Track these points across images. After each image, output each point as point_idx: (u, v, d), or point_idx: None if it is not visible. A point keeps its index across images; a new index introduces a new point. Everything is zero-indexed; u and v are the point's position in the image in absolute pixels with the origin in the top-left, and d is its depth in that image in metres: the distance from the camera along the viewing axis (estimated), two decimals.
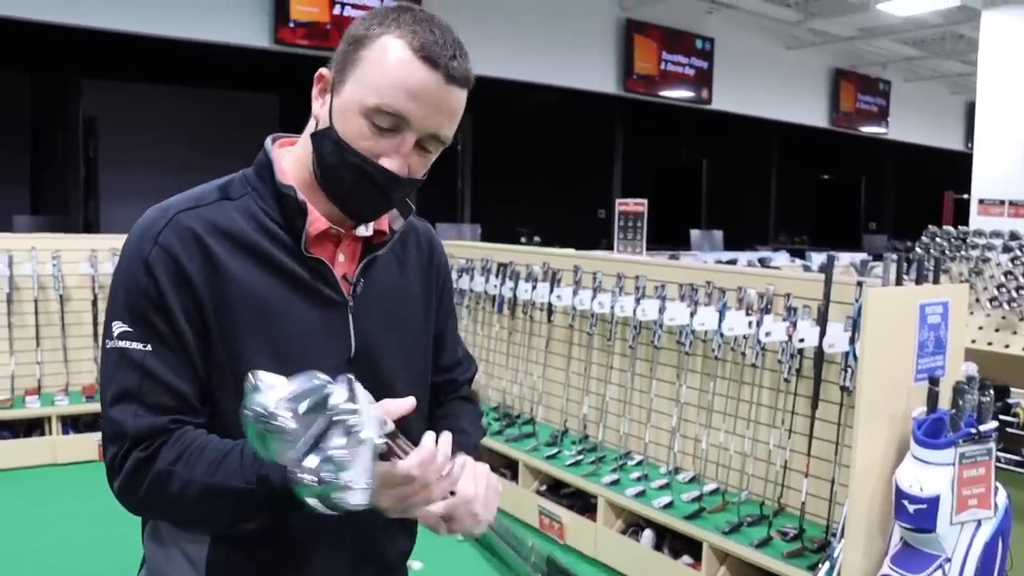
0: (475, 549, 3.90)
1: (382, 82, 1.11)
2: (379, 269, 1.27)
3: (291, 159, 1.24)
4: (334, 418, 0.95)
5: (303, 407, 0.94)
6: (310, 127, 1.21)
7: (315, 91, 1.19)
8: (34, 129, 11.22)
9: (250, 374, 0.96)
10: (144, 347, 1.12)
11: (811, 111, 12.41)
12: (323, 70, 1.19)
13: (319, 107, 1.18)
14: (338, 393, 0.96)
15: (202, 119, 12.30)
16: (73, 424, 5.25)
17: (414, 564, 4.02)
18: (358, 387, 0.99)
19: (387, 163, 1.13)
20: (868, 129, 13.30)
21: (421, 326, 1.35)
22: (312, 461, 0.93)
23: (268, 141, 1.25)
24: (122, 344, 1.13)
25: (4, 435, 5.07)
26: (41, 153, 11.08)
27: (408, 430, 1.08)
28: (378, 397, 1.21)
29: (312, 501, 0.95)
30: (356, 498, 0.95)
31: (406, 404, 1.09)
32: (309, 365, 1.15)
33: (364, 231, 1.25)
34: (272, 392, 0.94)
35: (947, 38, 11.80)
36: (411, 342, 1.33)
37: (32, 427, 5.15)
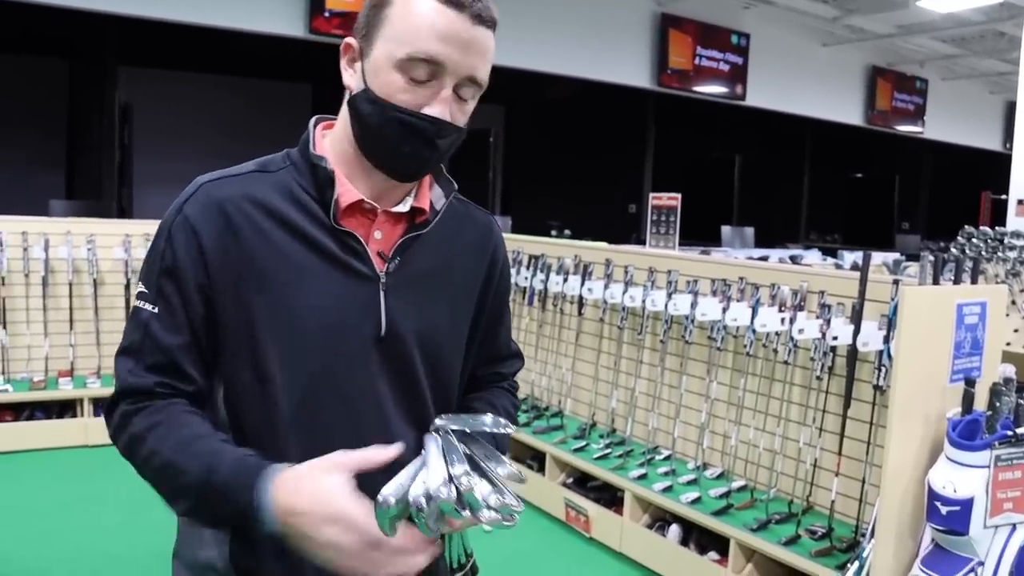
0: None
1: (412, 32, 1.11)
2: (420, 250, 1.24)
3: (330, 137, 1.24)
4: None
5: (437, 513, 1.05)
6: (346, 100, 1.21)
7: (344, 62, 1.19)
8: (70, 115, 11.35)
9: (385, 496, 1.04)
10: (152, 308, 1.16)
11: (846, 109, 12.28)
12: (349, 39, 1.18)
13: (350, 77, 1.18)
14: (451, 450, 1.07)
15: (236, 107, 12.39)
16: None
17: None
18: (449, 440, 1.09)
19: (430, 111, 1.13)
20: (904, 128, 13.14)
21: (461, 316, 1.32)
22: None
23: (311, 122, 1.26)
24: (138, 303, 1.18)
25: (38, 415, 5.15)
26: (77, 139, 11.20)
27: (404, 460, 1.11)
28: (401, 381, 1.22)
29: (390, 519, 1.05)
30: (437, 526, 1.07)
31: (390, 453, 1.11)
32: (331, 340, 1.17)
33: (402, 207, 1.23)
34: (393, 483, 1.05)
35: (987, 36, 11.62)
36: (447, 330, 1.30)
37: (64, 408, 5.22)
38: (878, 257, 8.42)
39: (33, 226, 5.32)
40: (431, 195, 1.27)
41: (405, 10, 1.12)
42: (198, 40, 9.04)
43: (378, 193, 1.21)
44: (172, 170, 11.70)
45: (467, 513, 1.03)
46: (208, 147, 12.01)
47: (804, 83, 11.47)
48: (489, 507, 1.03)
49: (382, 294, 1.21)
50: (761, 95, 10.92)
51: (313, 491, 1.04)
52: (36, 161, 10.93)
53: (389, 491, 1.02)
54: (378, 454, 1.09)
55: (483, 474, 1.06)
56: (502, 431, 1.14)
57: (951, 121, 13.83)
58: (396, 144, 1.15)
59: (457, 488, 1.03)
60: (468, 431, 1.11)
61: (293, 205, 1.18)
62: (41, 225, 5.39)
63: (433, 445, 1.08)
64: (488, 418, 1.14)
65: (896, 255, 8.59)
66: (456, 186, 1.31)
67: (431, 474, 1.04)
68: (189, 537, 1.26)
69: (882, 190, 15.48)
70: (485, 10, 1.13)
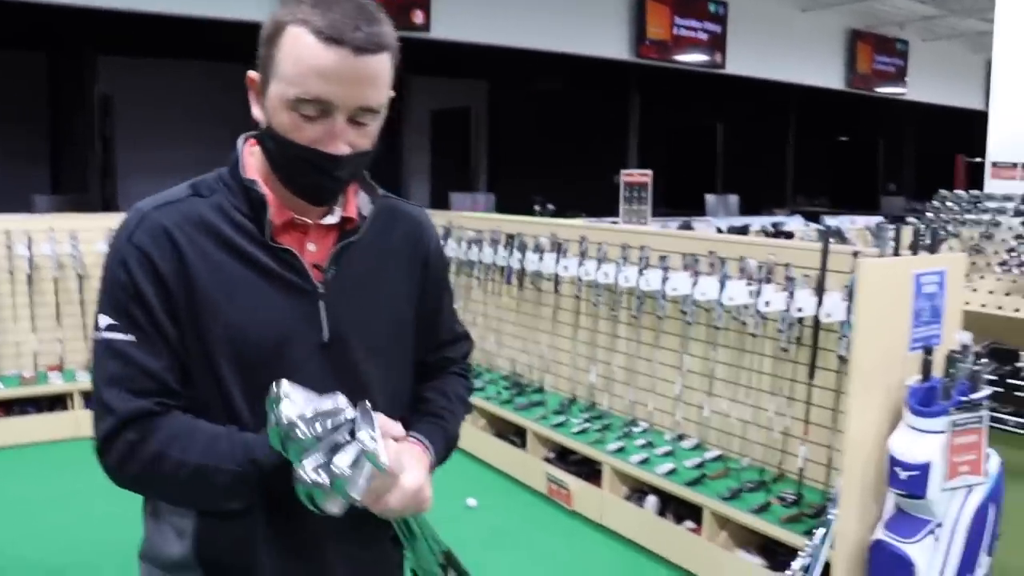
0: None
1: (295, 73, 1.15)
2: (354, 256, 1.30)
3: (256, 155, 1.29)
4: (347, 441, 1.09)
5: (323, 427, 1.09)
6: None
7: (250, 96, 1.24)
8: (52, 108, 11.32)
9: (275, 384, 1.09)
10: (127, 337, 1.19)
11: (827, 73, 12.27)
12: (251, 73, 1.23)
13: (257, 111, 1.24)
14: (359, 424, 1.10)
15: (216, 93, 12.32)
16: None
17: (470, 501, 4.14)
18: (374, 416, 1.12)
19: (324, 148, 1.17)
20: (885, 90, 13.14)
21: (401, 311, 1.38)
22: (318, 472, 1.07)
23: (240, 140, 1.31)
24: (108, 335, 1.20)
25: (29, 410, 5.21)
26: (59, 132, 11.17)
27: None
28: (353, 382, 1.27)
29: (301, 495, 1.09)
30: (335, 508, 1.09)
31: (396, 427, 1.20)
32: (279, 351, 1.23)
33: (331, 219, 1.29)
34: (297, 406, 1.09)
35: None
36: (389, 328, 1.36)
37: (55, 402, 5.28)
38: (861, 221, 8.51)
39: (16, 224, 5.36)
40: (357, 202, 1.33)
41: (289, 49, 1.16)
42: (175, 28, 9.00)
43: (304, 209, 1.27)
44: (156, 159, 11.72)
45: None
46: (191, 134, 11.97)
47: (784, 49, 11.46)
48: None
49: (321, 304, 1.27)
50: (741, 63, 10.92)
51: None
52: (20, 156, 10.90)
53: (284, 412, 1.09)
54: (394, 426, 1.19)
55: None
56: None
57: (933, 82, 13.83)
58: (300, 178, 1.22)
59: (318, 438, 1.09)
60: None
61: (231, 226, 1.24)
62: (23, 223, 5.43)
63: (343, 405, 1.13)
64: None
65: (880, 218, 8.65)
66: (380, 190, 1.37)
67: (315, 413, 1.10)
68: (155, 537, 1.33)
69: (866, 153, 15.52)
70: (369, 39, 1.15)
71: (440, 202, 10.72)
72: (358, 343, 1.30)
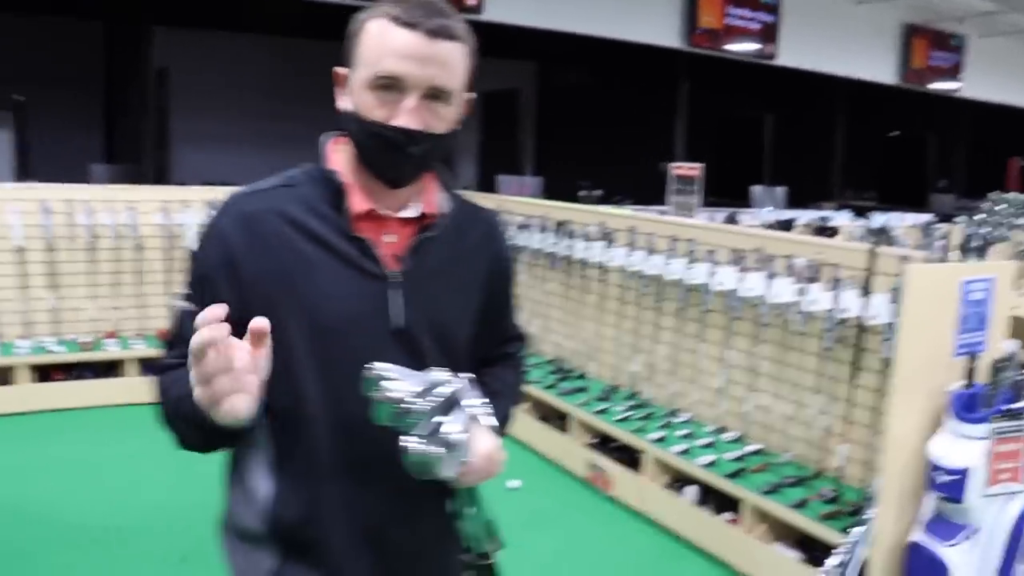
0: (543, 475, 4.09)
1: (375, 55, 1.27)
2: (430, 250, 1.39)
3: (341, 152, 1.39)
4: (457, 409, 1.18)
5: (434, 399, 1.17)
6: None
7: (337, 91, 1.35)
8: (107, 78, 11.51)
9: (368, 367, 1.18)
10: (189, 306, 1.32)
11: (880, 67, 12.13)
12: (338, 69, 1.35)
13: (343, 101, 1.34)
14: (463, 393, 1.20)
15: (270, 67, 12.48)
16: (148, 367, 5.54)
17: (511, 483, 4.25)
18: (470, 386, 1.21)
19: (396, 121, 1.27)
20: (940, 86, 12.96)
21: (469, 307, 1.46)
22: (433, 441, 1.16)
23: (324, 137, 1.41)
24: (180, 302, 1.35)
25: (86, 375, 5.39)
26: (115, 101, 11.37)
27: None
28: (419, 369, 1.35)
29: (413, 467, 1.17)
30: (448, 473, 1.18)
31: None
32: (350, 332, 1.33)
33: (410, 212, 1.38)
34: (403, 383, 1.17)
35: None
36: (456, 321, 1.44)
37: (110, 368, 5.45)
38: (910, 219, 8.44)
39: (77, 193, 5.52)
40: (437, 200, 1.42)
41: (370, 38, 1.28)
42: (231, 1, 9.15)
43: (384, 201, 1.36)
44: (210, 130, 11.92)
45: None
46: (245, 107, 12.16)
47: (837, 42, 11.34)
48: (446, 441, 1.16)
49: (394, 291, 1.35)
50: (793, 54, 10.83)
51: None
52: (75, 124, 11.11)
53: (392, 388, 1.17)
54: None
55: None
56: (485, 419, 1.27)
57: (990, 79, 13.59)
58: (376, 154, 1.32)
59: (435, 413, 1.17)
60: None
61: (312, 215, 1.34)
62: (84, 192, 5.59)
63: (448, 378, 1.21)
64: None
65: (929, 216, 8.58)
66: (459, 191, 1.46)
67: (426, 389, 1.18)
68: (235, 508, 1.43)
69: (917, 149, 15.31)
70: (441, 27, 1.27)
71: (487, 183, 10.77)
72: (426, 332, 1.38)
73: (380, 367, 1.18)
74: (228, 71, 12.06)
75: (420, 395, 1.16)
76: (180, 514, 3.86)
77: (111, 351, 5.42)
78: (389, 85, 1.27)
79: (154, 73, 10.16)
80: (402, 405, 1.16)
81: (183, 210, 5.65)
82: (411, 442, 1.16)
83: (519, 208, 5.65)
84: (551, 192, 7.78)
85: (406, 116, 1.27)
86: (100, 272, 5.56)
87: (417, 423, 1.16)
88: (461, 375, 1.22)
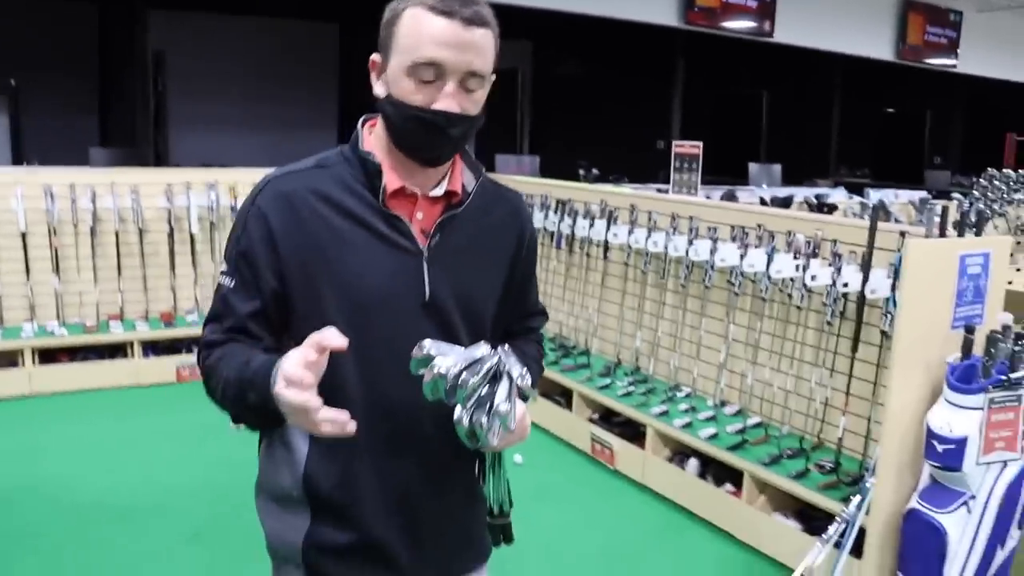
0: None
1: (413, 43, 1.32)
2: (457, 226, 1.46)
3: (374, 134, 1.46)
4: (502, 380, 1.25)
5: (483, 372, 1.23)
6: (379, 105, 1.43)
7: (372, 77, 1.41)
8: (102, 60, 11.47)
9: (419, 345, 1.24)
10: (230, 283, 1.40)
11: (877, 43, 12.12)
12: (373, 56, 1.40)
13: (378, 87, 1.40)
14: (507, 363, 1.25)
15: (265, 48, 12.46)
16: (153, 348, 5.60)
17: (516, 458, 4.32)
18: (509, 357, 1.27)
19: (437, 105, 1.34)
20: (936, 61, 12.96)
21: (494, 281, 1.54)
22: (482, 411, 1.24)
23: (360, 121, 1.47)
24: (221, 279, 1.42)
25: (91, 357, 5.44)
26: (109, 84, 11.33)
27: None
28: (448, 340, 1.41)
29: (465, 437, 1.26)
30: (495, 440, 1.26)
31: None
32: (386, 304, 1.40)
33: (438, 191, 1.44)
34: (452, 358, 1.23)
35: None
36: (482, 294, 1.51)
37: (115, 350, 5.50)
38: (905, 195, 8.48)
39: (80, 177, 5.55)
40: (463, 179, 1.49)
41: (407, 26, 1.33)
42: None
43: (415, 179, 1.42)
44: (206, 112, 11.90)
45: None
46: (241, 89, 12.15)
47: (834, 18, 11.33)
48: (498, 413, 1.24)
49: (425, 265, 1.42)
50: (790, 31, 10.83)
51: (284, 360, 1.22)
52: (71, 106, 11.08)
53: (440, 364, 1.23)
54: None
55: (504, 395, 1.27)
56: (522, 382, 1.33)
57: (987, 55, 13.59)
58: (416, 136, 1.37)
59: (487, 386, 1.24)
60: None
61: (347, 193, 1.40)
62: (87, 176, 5.62)
63: (490, 351, 1.27)
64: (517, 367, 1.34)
65: (924, 193, 8.62)
66: (484, 169, 1.52)
67: (477, 365, 1.24)
68: (268, 468, 1.50)
69: (913, 125, 15.33)
70: (475, 14, 1.33)
71: (484, 163, 10.78)
72: (453, 305, 1.45)
73: (428, 345, 1.24)
74: (224, 54, 12.04)
75: (467, 369, 1.22)
76: (190, 492, 3.92)
77: (116, 333, 5.46)
78: (427, 71, 1.32)
79: (150, 56, 10.13)
80: (452, 380, 1.22)
81: (185, 192, 5.68)
82: (464, 415, 1.23)
83: (520, 187, 5.66)
84: (548, 171, 7.80)
85: (446, 100, 1.33)
86: (104, 255, 5.60)
87: (468, 396, 1.23)
88: (499, 347, 1.28)
